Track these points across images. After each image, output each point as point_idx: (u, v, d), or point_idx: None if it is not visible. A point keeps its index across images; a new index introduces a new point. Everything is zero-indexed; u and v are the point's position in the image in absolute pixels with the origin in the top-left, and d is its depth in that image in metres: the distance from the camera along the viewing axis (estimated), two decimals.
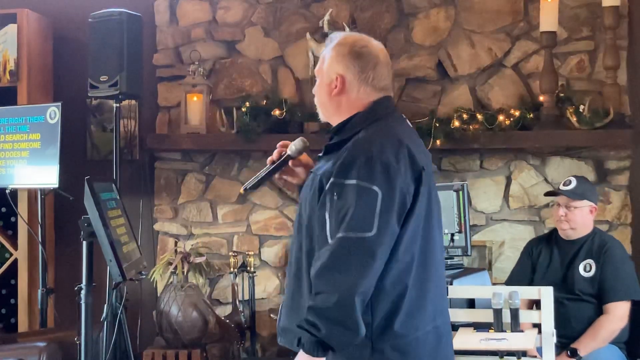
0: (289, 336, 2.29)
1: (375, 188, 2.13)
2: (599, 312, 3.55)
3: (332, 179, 2.17)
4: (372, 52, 2.31)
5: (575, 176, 3.86)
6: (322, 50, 2.40)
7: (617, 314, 3.51)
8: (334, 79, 2.30)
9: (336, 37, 2.36)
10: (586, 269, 3.60)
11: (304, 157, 2.49)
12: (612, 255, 3.58)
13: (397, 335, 2.18)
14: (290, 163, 2.46)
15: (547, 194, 3.97)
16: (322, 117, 2.41)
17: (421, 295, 2.23)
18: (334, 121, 2.36)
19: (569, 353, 3.45)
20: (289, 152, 2.44)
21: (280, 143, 2.47)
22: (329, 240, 2.14)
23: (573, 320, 3.51)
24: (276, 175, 2.48)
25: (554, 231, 3.82)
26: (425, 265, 2.26)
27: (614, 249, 3.63)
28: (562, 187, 3.75)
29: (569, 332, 3.45)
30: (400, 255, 2.18)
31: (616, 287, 3.53)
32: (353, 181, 2.14)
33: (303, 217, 2.30)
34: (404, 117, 2.42)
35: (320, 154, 2.36)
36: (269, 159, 2.48)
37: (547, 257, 3.76)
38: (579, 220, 3.68)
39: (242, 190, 2.56)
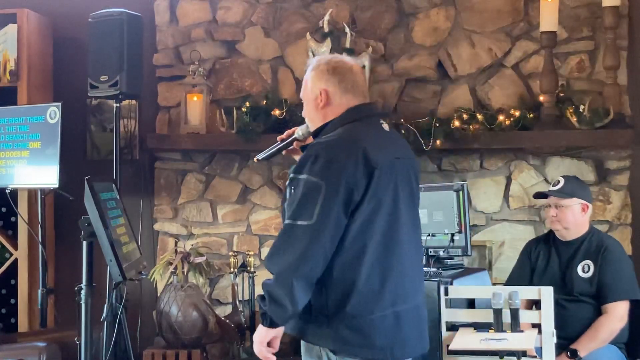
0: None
1: (320, 181, 2.42)
2: (598, 313, 3.53)
3: (290, 175, 2.52)
4: (346, 65, 2.63)
5: (564, 176, 3.85)
6: (307, 71, 2.72)
7: (617, 314, 3.50)
8: (319, 94, 2.61)
9: (312, 62, 2.70)
10: (584, 269, 3.58)
11: (310, 141, 2.74)
12: (610, 256, 3.56)
13: (349, 316, 2.46)
14: (294, 144, 2.77)
15: (536, 195, 3.90)
16: (313, 130, 2.68)
17: (379, 282, 2.49)
18: None
19: (568, 354, 3.44)
20: (295, 134, 2.76)
21: (293, 129, 2.80)
22: None
23: (572, 322, 3.49)
24: (284, 152, 2.82)
25: (552, 232, 3.81)
26: (387, 254, 2.51)
27: (612, 249, 3.60)
28: (551, 188, 3.75)
29: (568, 334, 3.44)
30: (348, 244, 2.46)
31: (615, 287, 3.51)
32: (304, 176, 2.46)
33: (283, 204, 2.60)
34: (382, 121, 2.69)
35: None
36: (279, 137, 2.83)
37: (545, 259, 3.74)
38: (570, 219, 3.65)
39: (255, 159, 2.86)
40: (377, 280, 2.49)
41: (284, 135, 2.80)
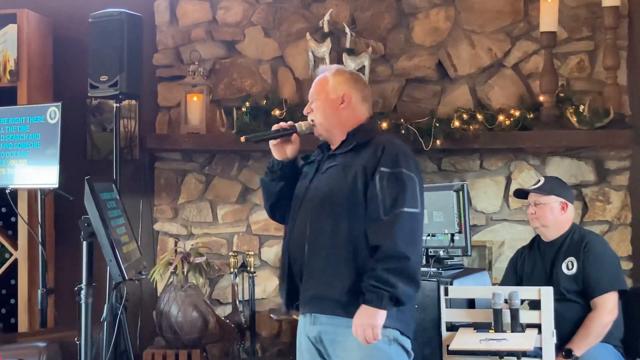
0: (325, 303, 2.68)
1: (415, 176, 2.69)
2: (588, 311, 3.53)
3: (382, 169, 2.67)
4: (363, 79, 2.94)
5: (546, 176, 3.96)
6: (318, 72, 2.93)
7: (606, 307, 3.48)
8: (341, 96, 2.80)
9: (330, 67, 2.91)
10: (568, 267, 3.59)
11: (294, 138, 2.89)
12: (592, 250, 3.56)
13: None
14: (293, 136, 2.86)
15: (516, 193, 3.92)
16: (320, 129, 2.83)
17: None
18: (334, 133, 2.82)
19: (564, 354, 3.44)
20: (297, 128, 2.86)
21: (291, 122, 2.90)
22: (382, 217, 2.62)
23: (562, 321, 3.46)
24: (273, 141, 2.85)
25: (537, 237, 3.83)
26: None
27: (594, 243, 3.60)
28: (531, 186, 3.78)
29: (560, 334, 3.43)
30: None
31: (600, 280, 3.50)
32: (400, 169, 2.66)
33: (336, 198, 2.69)
34: None
35: (335, 152, 2.81)
36: (276, 125, 2.87)
37: (530, 263, 3.76)
38: (548, 216, 3.67)
39: (242, 139, 2.94)
40: None
41: (283, 125, 2.88)
